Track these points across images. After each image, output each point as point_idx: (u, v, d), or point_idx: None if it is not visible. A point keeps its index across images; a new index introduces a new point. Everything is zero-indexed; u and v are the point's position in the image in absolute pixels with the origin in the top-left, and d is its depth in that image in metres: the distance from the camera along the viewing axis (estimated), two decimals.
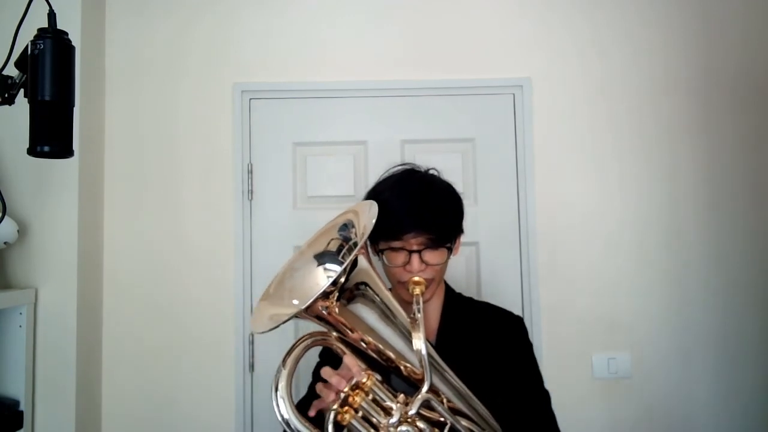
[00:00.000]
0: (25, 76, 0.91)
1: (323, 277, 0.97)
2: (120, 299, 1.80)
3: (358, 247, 0.87)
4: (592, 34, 1.89)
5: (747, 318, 1.83)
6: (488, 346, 1.09)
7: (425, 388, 0.86)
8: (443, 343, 1.08)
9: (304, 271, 0.99)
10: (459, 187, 1.12)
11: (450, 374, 0.95)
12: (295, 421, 0.85)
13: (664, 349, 1.82)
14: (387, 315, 0.92)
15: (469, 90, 1.86)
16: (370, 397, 0.87)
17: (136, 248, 1.81)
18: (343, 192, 1.82)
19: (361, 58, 1.87)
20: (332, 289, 0.85)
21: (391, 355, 0.92)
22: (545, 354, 1.78)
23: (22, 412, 1.53)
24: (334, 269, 0.96)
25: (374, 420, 0.86)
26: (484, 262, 1.82)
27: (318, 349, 1.04)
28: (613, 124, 1.86)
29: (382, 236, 1.02)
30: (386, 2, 1.88)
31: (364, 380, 0.87)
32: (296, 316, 0.85)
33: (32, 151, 0.91)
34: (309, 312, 0.86)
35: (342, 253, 0.97)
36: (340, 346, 0.92)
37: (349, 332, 0.91)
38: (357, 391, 0.87)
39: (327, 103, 1.86)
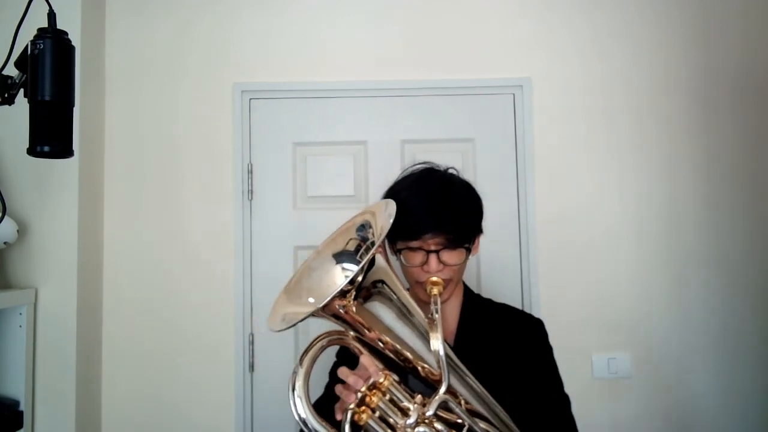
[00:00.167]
0: (25, 76, 0.90)
1: (340, 276, 0.96)
2: (120, 299, 1.80)
3: (376, 245, 0.86)
4: (592, 34, 1.89)
5: (747, 318, 1.83)
6: (507, 348, 1.07)
7: (443, 389, 0.85)
8: (461, 344, 1.07)
9: (322, 271, 0.98)
10: None
11: (468, 376, 0.94)
12: (313, 421, 0.85)
13: (664, 349, 1.81)
14: (404, 314, 0.91)
15: (469, 90, 1.86)
16: (387, 397, 0.86)
17: (136, 248, 1.81)
18: (343, 192, 1.82)
19: (361, 58, 1.87)
20: (349, 287, 0.85)
21: (409, 355, 0.91)
22: None
23: (22, 412, 1.53)
24: (352, 268, 0.95)
25: (391, 420, 0.85)
26: (484, 262, 1.82)
27: (335, 348, 1.03)
28: (613, 124, 1.86)
29: (400, 236, 1.01)
30: (386, 2, 1.88)
31: (381, 380, 0.86)
32: (313, 314, 0.84)
33: (32, 151, 0.91)
34: (326, 310, 0.86)
35: (360, 253, 0.96)
36: (357, 346, 0.92)
37: (366, 331, 0.90)
38: (374, 391, 0.86)
39: (327, 103, 1.86)
